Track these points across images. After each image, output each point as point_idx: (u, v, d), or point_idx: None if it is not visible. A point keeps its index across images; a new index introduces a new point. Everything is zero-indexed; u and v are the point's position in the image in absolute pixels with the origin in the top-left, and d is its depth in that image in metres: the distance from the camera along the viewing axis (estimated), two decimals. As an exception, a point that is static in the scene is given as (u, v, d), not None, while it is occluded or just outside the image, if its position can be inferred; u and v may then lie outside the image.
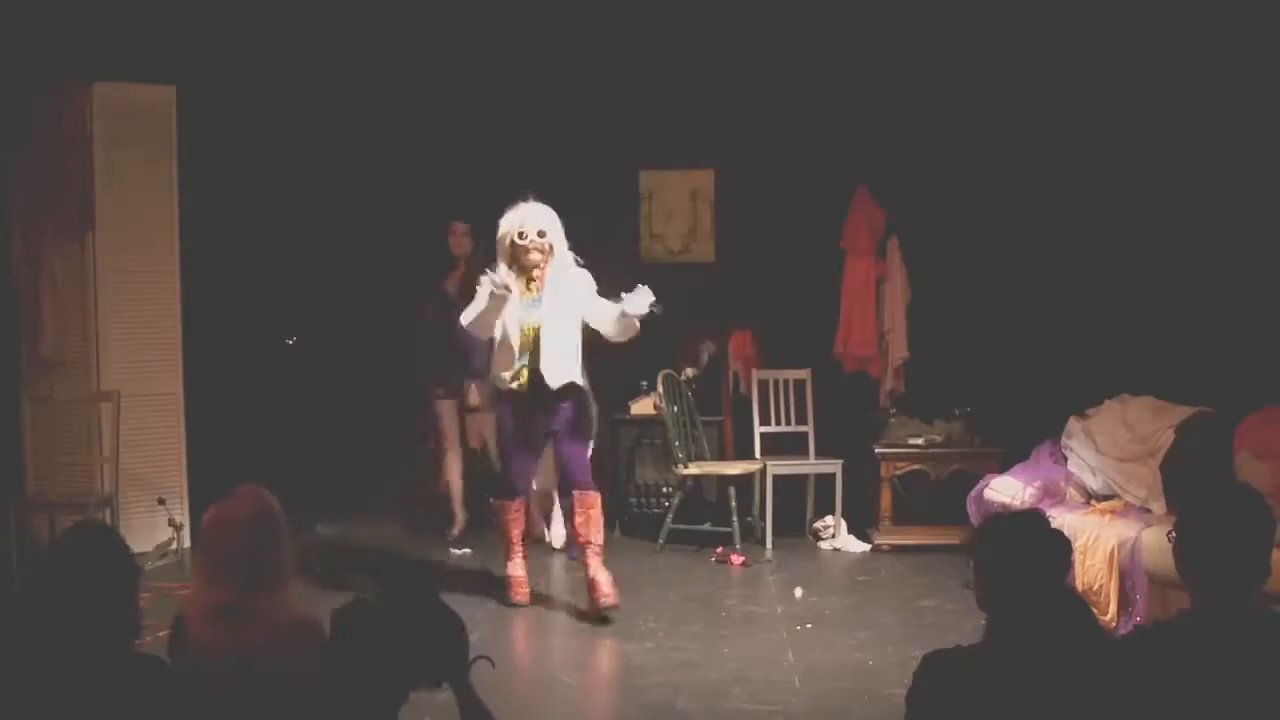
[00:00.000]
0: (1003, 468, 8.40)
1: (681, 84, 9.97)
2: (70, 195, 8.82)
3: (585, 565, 7.73)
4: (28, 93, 8.74)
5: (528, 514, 8.15)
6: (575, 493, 7.72)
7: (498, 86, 10.07)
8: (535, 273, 7.64)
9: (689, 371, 9.66)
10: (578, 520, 7.73)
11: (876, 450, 9.36)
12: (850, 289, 9.87)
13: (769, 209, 9.86)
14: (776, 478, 9.41)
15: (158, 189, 9.05)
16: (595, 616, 7.59)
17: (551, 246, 7.65)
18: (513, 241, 7.63)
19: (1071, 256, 9.38)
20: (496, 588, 8.03)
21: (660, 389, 9.27)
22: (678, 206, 10.43)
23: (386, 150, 10.06)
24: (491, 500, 8.17)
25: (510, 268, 7.66)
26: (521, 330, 7.61)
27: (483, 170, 9.93)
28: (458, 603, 3.74)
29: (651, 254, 10.31)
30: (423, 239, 9.66)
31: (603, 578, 7.64)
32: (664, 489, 9.72)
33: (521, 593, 7.87)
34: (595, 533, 7.71)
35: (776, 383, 9.73)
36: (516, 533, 7.93)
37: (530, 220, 7.65)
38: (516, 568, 7.93)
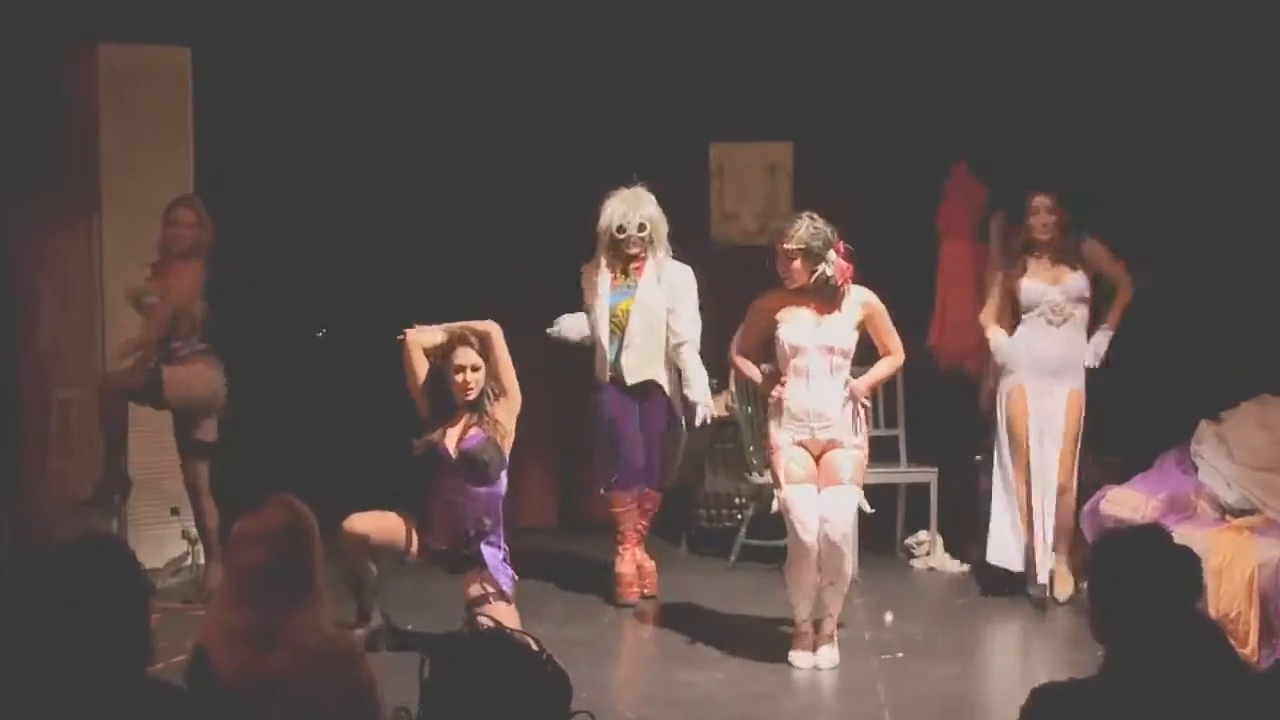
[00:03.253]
0: (1122, 477, 8.33)
1: (756, 46, 9.93)
2: (73, 171, 8.88)
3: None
4: (26, 56, 8.79)
5: (637, 508, 8.51)
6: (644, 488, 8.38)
7: (552, 49, 10.03)
8: (634, 265, 8.26)
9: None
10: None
11: (977, 457, 9.31)
12: (947, 274, 9.83)
13: (854, 185, 9.81)
14: (865, 488, 9.36)
15: (171, 163, 9.07)
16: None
17: (653, 239, 8.21)
18: (613, 235, 8.17)
19: (1201, 242, 9.28)
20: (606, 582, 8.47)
21: (733, 386, 9.25)
22: (752, 183, 10.42)
23: (428, 119, 10.05)
24: (601, 492, 8.57)
25: (608, 262, 8.27)
26: (612, 315, 8.21)
27: (538, 143, 9.92)
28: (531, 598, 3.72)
29: (723, 235, 10.29)
30: (473, 216, 9.69)
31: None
32: (736, 499, 9.70)
33: (630, 591, 8.36)
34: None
35: (863, 380, 9.69)
36: (627, 525, 8.42)
37: (633, 212, 8.16)
38: (625, 564, 8.39)
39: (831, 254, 7.40)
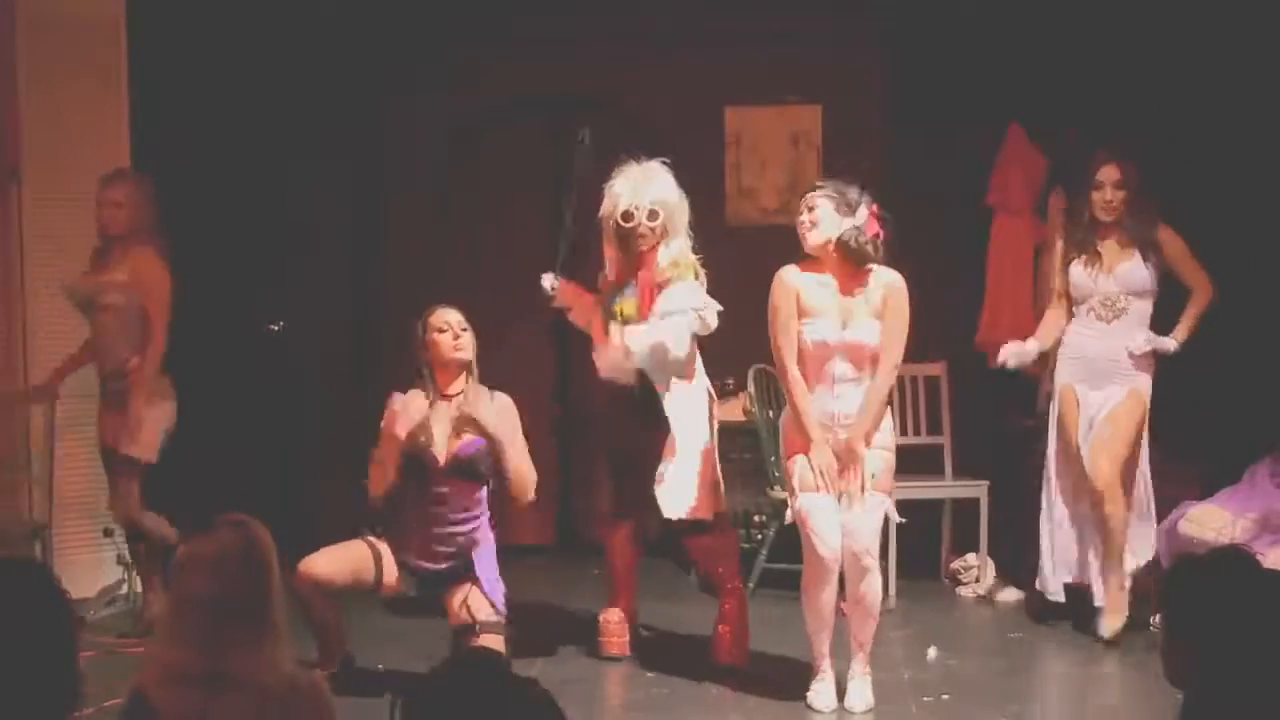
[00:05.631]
0: (1204, 493, 8.33)
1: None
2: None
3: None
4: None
5: (633, 543, 8.22)
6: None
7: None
8: (639, 262, 7.75)
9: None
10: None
11: (1030, 462, 9.32)
12: (999, 258, 9.86)
13: (892, 155, 9.83)
14: (902, 504, 9.36)
15: (104, 126, 9.08)
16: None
17: (666, 229, 7.70)
18: (616, 223, 7.71)
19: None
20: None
21: (752, 388, 9.26)
22: (774, 153, 10.43)
23: (402, 76, 10.07)
24: (599, 529, 8.39)
25: (613, 258, 7.84)
26: (616, 318, 7.75)
27: (528, 105, 9.94)
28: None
29: (740, 215, 10.30)
30: (455, 185, 9.73)
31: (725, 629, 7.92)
32: (756, 517, 9.71)
33: (614, 642, 8.03)
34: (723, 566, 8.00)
35: (902, 380, 9.67)
36: (619, 566, 8.16)
37: (641, 194, 7.67)
38: (612, 613, 8.08)
39: (862, 215, 7.26)
